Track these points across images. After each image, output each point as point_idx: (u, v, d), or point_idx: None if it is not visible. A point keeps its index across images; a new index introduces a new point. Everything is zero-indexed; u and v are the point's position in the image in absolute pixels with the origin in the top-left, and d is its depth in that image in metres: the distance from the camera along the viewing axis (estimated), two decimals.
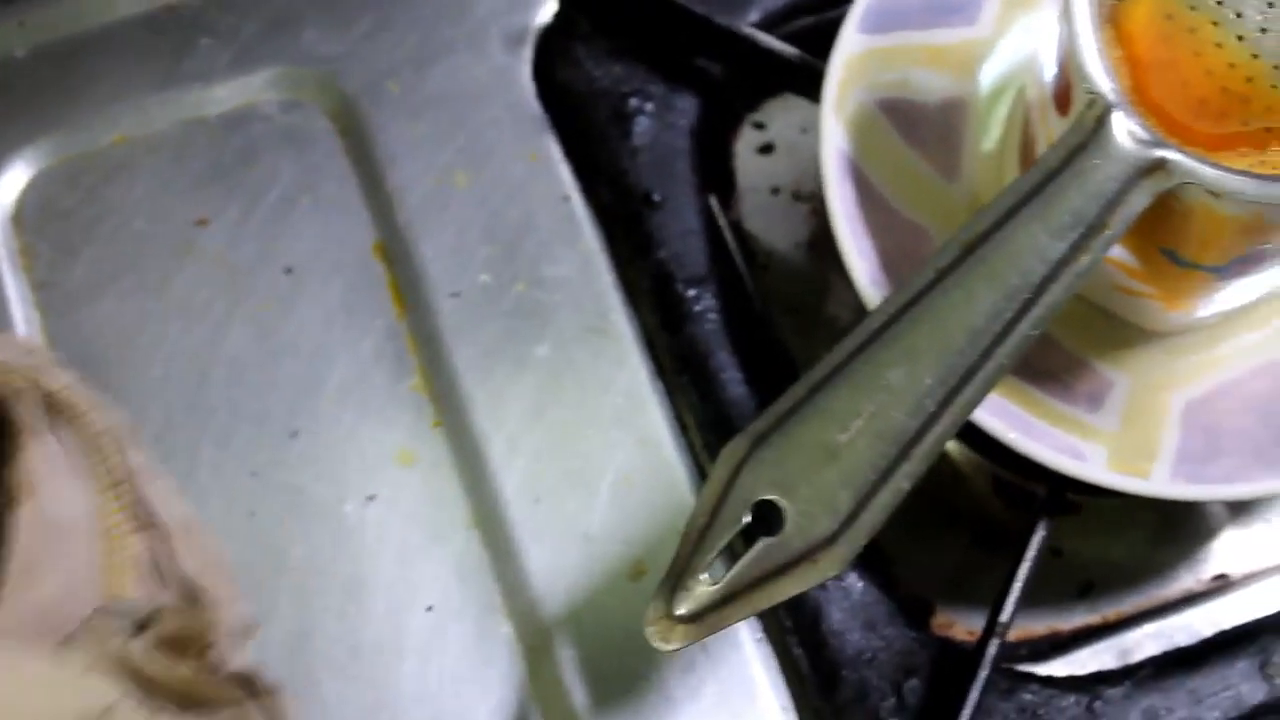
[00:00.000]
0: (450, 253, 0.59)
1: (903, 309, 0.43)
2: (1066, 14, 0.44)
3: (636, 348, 0.58)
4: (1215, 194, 0.43)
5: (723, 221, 0.61)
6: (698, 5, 0.61)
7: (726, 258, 0.59)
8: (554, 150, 0.61)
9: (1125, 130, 0.43)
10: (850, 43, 0.54)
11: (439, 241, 0.59)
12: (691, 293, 0.58)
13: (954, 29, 0.55)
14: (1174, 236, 0.47)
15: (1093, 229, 0.43)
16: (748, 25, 0.62)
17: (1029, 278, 0.43)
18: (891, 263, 0.52)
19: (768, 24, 0.62)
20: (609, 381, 0.58)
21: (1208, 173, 0.42)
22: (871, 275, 0.51)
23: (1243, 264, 0.48)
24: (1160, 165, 0.43)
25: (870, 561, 0.54)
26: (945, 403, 0.43)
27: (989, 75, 0.55)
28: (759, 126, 0.63)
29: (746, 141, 0.63)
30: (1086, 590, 0.55)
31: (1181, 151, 0.43)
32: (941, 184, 0.54)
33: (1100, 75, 0.43)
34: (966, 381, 0.43)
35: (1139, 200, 0.43)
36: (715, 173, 0.62)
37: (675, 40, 0.61)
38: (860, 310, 0.50)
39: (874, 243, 0.52)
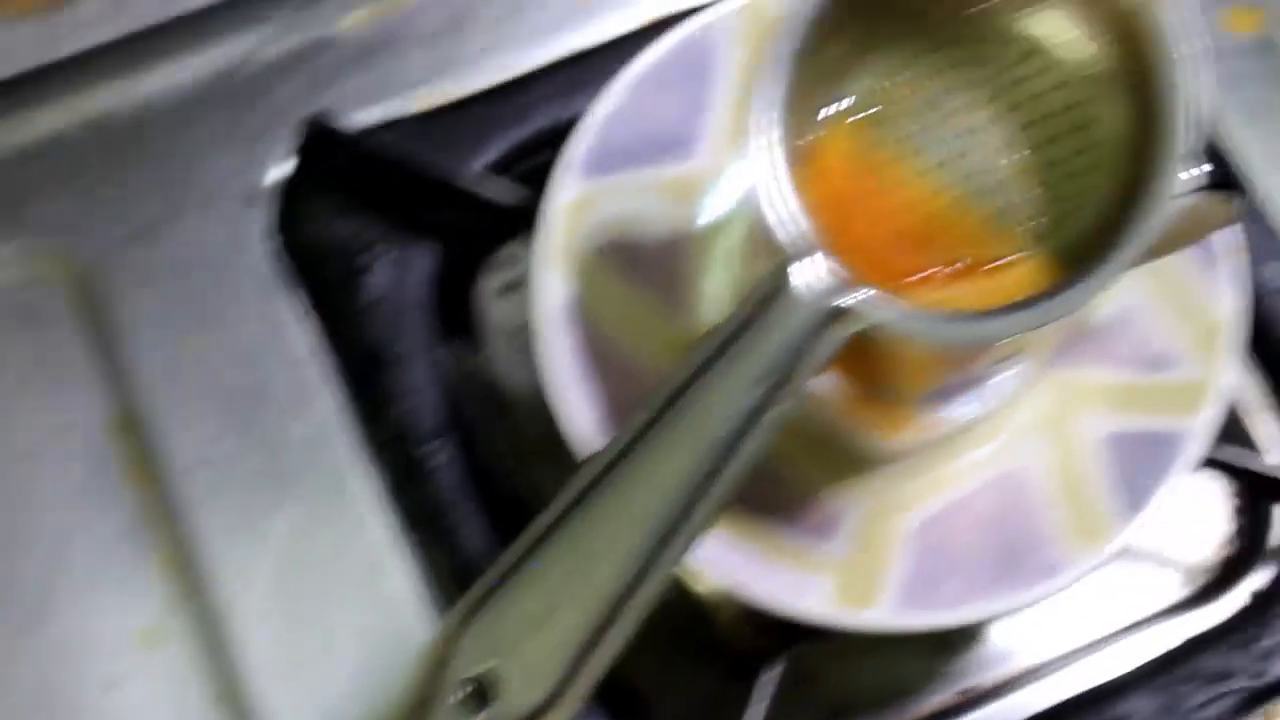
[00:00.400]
0: (190, 422, 0.59)
1: (607, 468, 0.43)
2: (751, 158, 0.44)
3: (379, 508, 0.58)
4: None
5: (463, 369, 0.60)
6: (432, 150, 0.61)
7: (466, 407, 0.59)
8: (294, 309, 0.60)
9: (811, 277, 0.43)
10: (565, 188, 0.54)
11: (179, 411, 0.59)
12: (428, 448, 0.58)
13: (675, 164, 0.55)
14: (879, 371, 0.48)
15: (783, 379, 0.43)
16: (485, 164, 0.62)
17: (724, 431, 0.43)
18: (617, 420, 0.52)
19: (507, 161, 0.62)
20: (353, 544, 0.57)
21: (891, 317, 0.42)
22: (593, 430, 0.51)
23: (949, 391, 0.48)
24: (846, 312, 0.43)
25: (622, 702, 0.53)
26: (652, 559, 0.43)
27: (713, 209, 0.55)
28: (506, 265, 0.63)
29: (493, 281, 0.63)
30: (835, 716, 0.55)
31: (867, 295, 0.43)
32: (670, 326, 0.54)
33: (786, 221, 0.43)
34: (672, 536, 0.43)
35: (828, 346, 0.43)
36: (459, 317, 0.61)
37: (406, 192, 0.60)
38: None
39: (596, 396, 0.52)
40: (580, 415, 0.51)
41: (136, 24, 0.65)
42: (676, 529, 0.43)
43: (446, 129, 0.62)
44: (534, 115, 0.63)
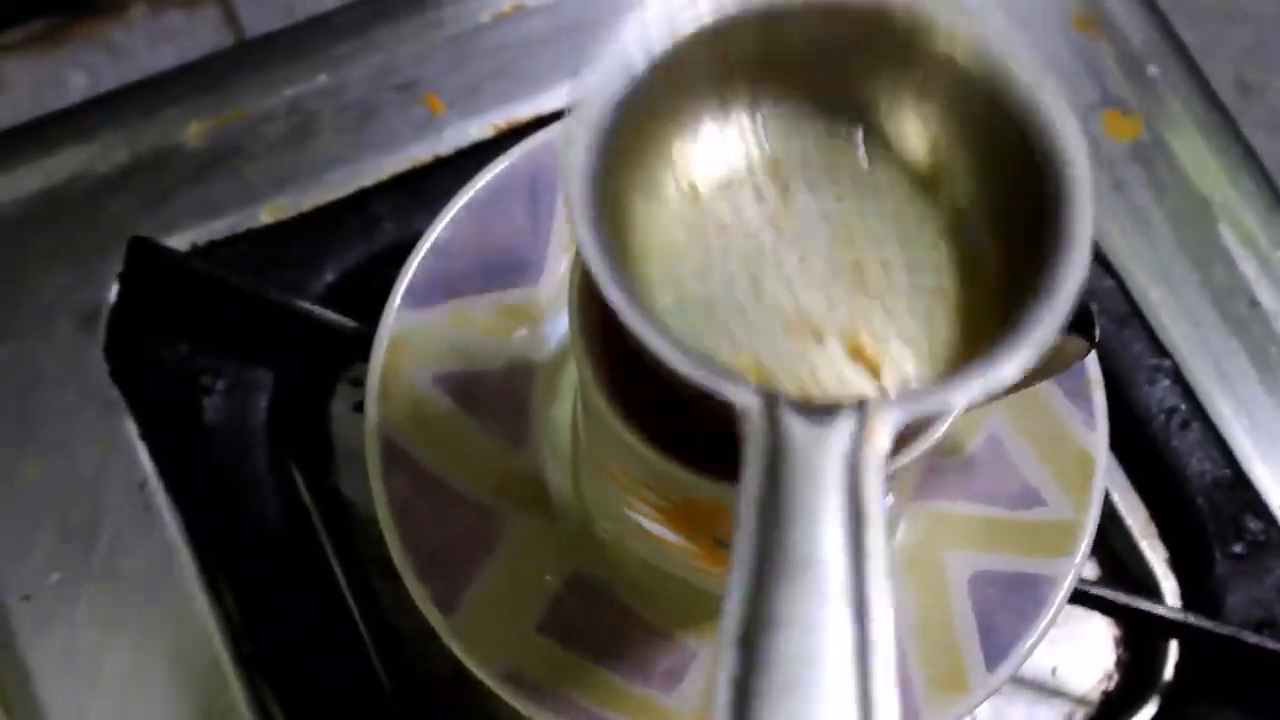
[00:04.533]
0: (19, 553, 0.56)
1: None
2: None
3: (223, 643, 0.55)
4: None
5: (314, 491, 0.58)
6: (275, 266, 0.59)
7: (310, 534, 0.56)
8: (130, 434, 0.58)
9: (802, 413, 0.35)
10: (396, 320, 0.51)
11: (7, 542, 0.56)
12: (269, 582, 0.55)
13: (516, 289, 0.53)
14: (718, 526, 0.45)
15: (857, 519, 0.33)
16: (331, 281, 0.59)
17: (840, 615, 0.33)
18: (453, 553, 0.49)
19: (355, 277, 0.60)
20: (195, 679, 0.55)
21: (925, 404, 0.35)
22: (421, 572, 0.48)
23: None
24: (863, 407, 0.34)
25: None
26: None
27: (558, 334, 0.52)
28: (356, 384, 0.60)
29: (344, 400, 0.60)
30: None
31: (878, 398, 0.35)
32: (511, 455, 0.51)
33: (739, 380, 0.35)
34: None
35: (875, 467, 0.34)
36: (306, 440, 0.59)
37: (241, 313, 0.58)
38: None
39: (430, 535, 0.49)
40: (413, 557, 0.49)
41: None
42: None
43: (291, 244, 0.60)
44: (382, 229, 0.60)
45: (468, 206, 0.53)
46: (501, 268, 0.53)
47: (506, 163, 0.53)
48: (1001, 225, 0.39)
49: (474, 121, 0.63)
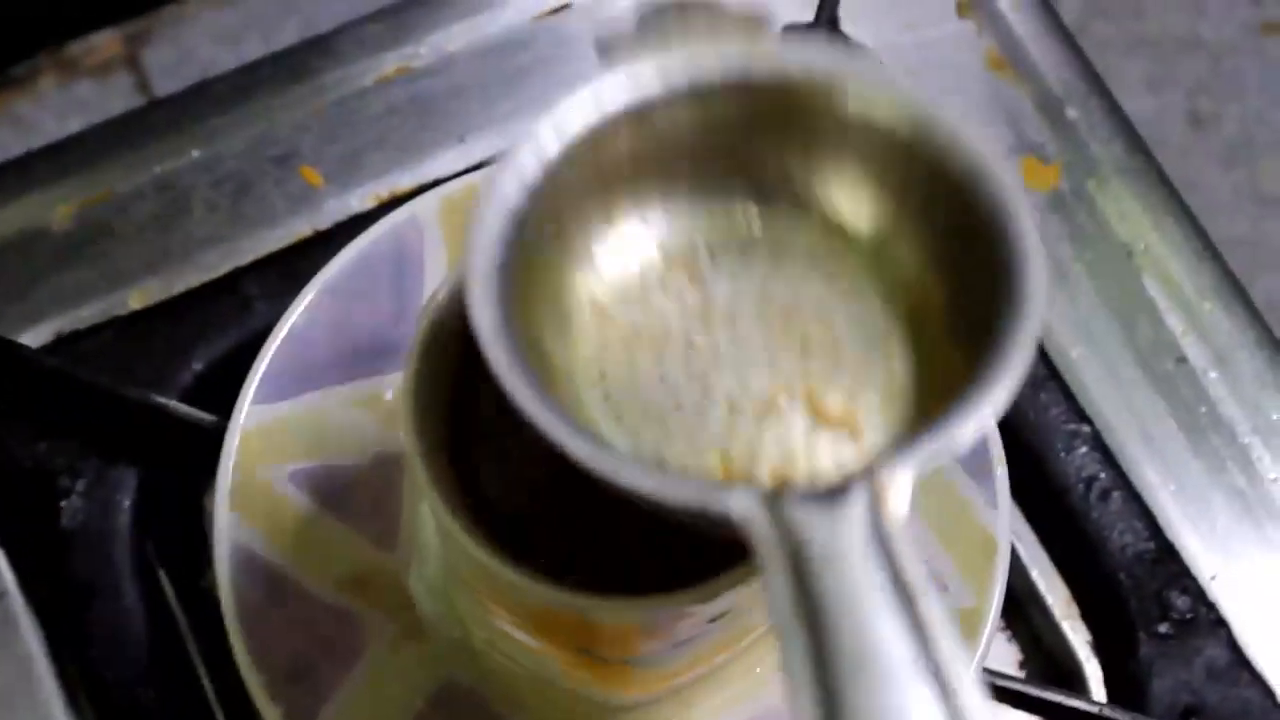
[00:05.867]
0: None
1: None
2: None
3: None
4: None
5: (185, 592, 0.54)
6: (142, 356, 0.56)
7: (177, 644, 0.53)
8: None
9: (810, 500, 0.32)
10: (249, 416, 0.48)
11: None
12: (137, 692, 0.52)
13: (381, 375, 0.50)
14: (583, 638, 0.42)
15: (906, 595, 0.31)
16: (200, 370, 0.56)
17: (924, 699, 0.30)
18: (310, 666, 0.46)
19: (226, 364, 0.57)
20: None
21: (928, 450, 0.33)
22: (273, 689, 0.45)
23: (662, 653, 0.42)
24: (870, 473, 0.32)
25: None
26: None
27: None
28: None
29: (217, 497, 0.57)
30: None
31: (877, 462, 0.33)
32: (376, 555, 0.48)
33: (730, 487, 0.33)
34: None
35: (900, 517, 0.32)
36: (176, 539, 0.55)
37: (99, 411, 0.54)
38: None
39: (284, 648, 0.46)
40: (264, 673, 0.45)
41: None
42: None
43: (159, 331, 0.57)
44: (255, 311, 0.57)
45: (326, 290, 0.50)
46: (365, 353, 0.50)
47: (367, 240, 0.50)
48: (938, 256, 0.38)
49: (355, 193, 0.60)
